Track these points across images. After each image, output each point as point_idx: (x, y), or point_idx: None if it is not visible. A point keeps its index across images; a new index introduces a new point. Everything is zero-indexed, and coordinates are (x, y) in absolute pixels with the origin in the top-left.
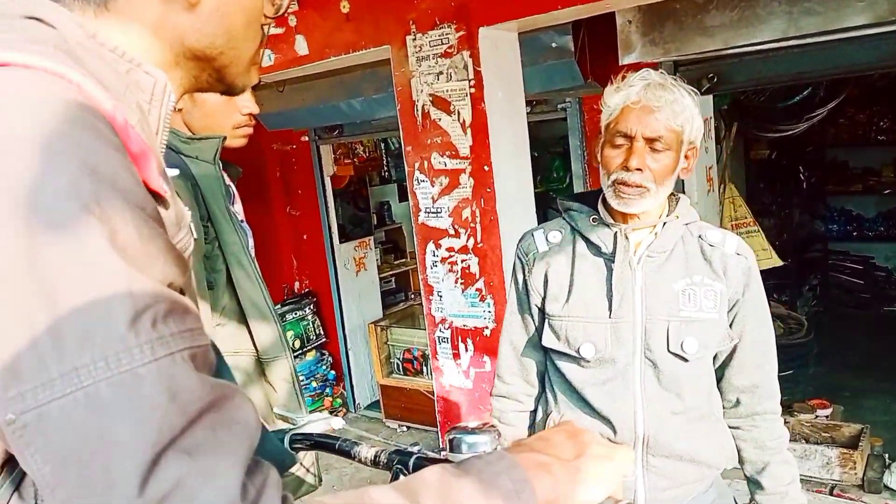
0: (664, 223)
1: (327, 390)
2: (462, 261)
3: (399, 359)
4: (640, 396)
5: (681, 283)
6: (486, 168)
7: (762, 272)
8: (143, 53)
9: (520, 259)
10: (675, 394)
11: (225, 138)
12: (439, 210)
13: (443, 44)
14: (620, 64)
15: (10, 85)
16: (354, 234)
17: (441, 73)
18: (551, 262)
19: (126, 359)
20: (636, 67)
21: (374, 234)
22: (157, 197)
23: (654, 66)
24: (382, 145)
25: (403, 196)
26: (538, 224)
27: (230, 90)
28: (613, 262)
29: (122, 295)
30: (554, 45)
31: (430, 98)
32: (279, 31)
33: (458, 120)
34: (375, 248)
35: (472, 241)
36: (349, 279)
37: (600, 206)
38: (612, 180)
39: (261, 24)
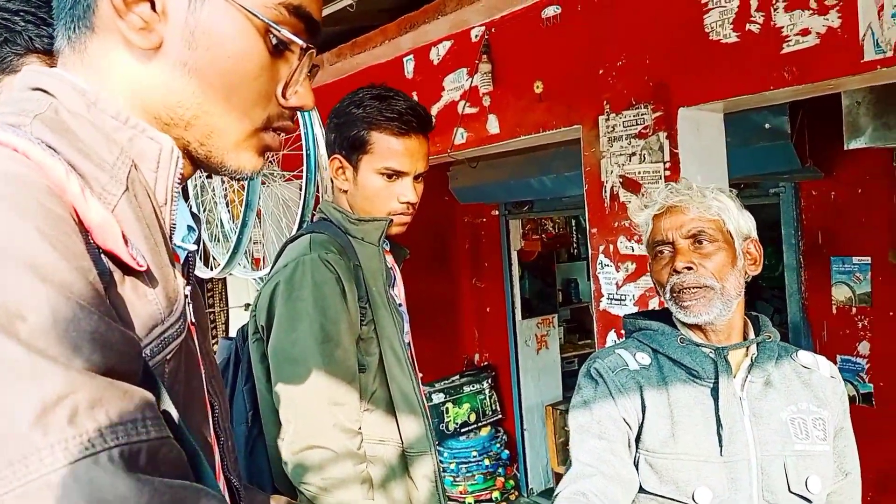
0: (757, 343)
1: (500, 470)
2: None
3: (570, 445)
4: None
5: (787, 411)
6: None
7: None
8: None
9: (601, 376)
10: None
11: (391, 221)
12: (623, 297)
13: (637, 124)
14: (846, 149)
15: None
16: (538, 310)
17: (634, 154)
18: (644, 385)
19: (34, 464)
20: (865, 154)
21: (558, 311)
22: (131, 270)
23: (889, 153)
24: (573, 222)
25: None
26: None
27: (216, 169)
28: (716, 390)
29: (25, 388)
30: (767, 125)
31: (621, 180)
32: (473, 110)
33: (643, 204)
34: (559, 326)
35: None
36: (530, 356)
37: (681, 327)
38: (670, 290)
39: (263, 96)
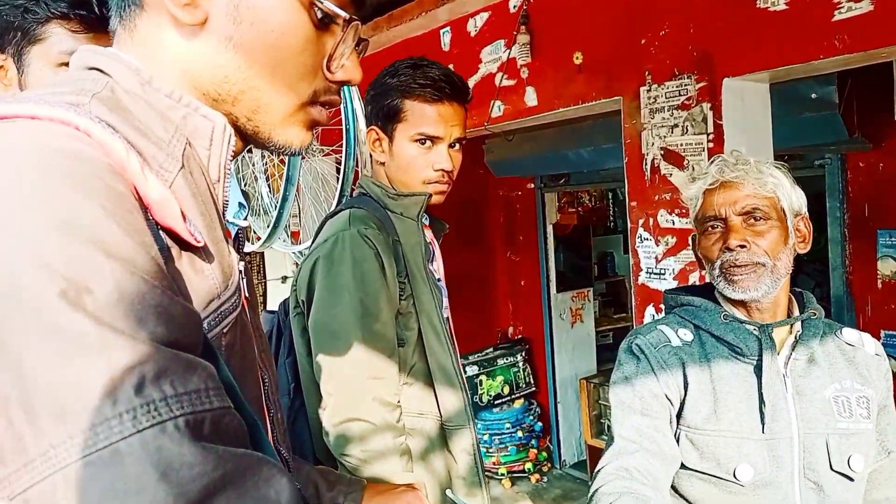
0: (802, 320)
1: (533, 442)
2: None
3: (610, 420)
4: None
5: (830, 389)
6: None
7: None
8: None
9: (643, 352)
10: None
11: (430, 196)
12: (663, 272)
13: (680, 95)
14: None
15: (3, 138)
16: (573, 283)
17: (676, 125)
18: (687, 362)
19: (104, 433)
20: None
21: (593, 285)
22: (189, 246)
23: None
24: (609, 195)
25: (627, 248)
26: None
27: (263, 144)
28: (759, 367)
29: (93, 359)
30: (814, 96)
31: (662, 152)
32: (510, 82)
33: (692, 176)
34: (594, 299)
35: None
36: (564, 330)
37: (723, 302)
38: (719, 266)
39: (309, 70)
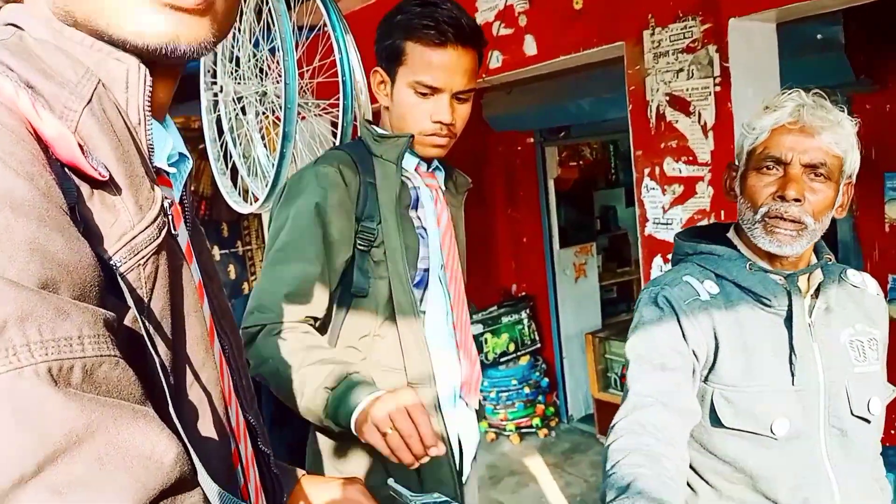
0: (820, 266)
1: (539, 398)
2: None
3: (617, 373)
4: (833, 477)
5: (845, 333)
6: None
7: None
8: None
9: (670, 305)
10: (866, 464)
11: (412, 138)
12: (670, 221)
13: (685, 38)
14: None
15: None
16: (576, 238)
17: (681, 70)
18: (716, 317)
19: None
20: None
21: (596, 240)
22: (98, 183)
23: None
24: (611, 147)
25: (630, 201)
26: None
27: (125, 45)
28: (789, 318)
29: None
30: (820, 36)
31: (667, 98)
32: (508, 31)
33: (699, 122)
34: (597, 254)
35: None
36: (568, 285)
37: (744, 250)
38: (763, 213)
39: None
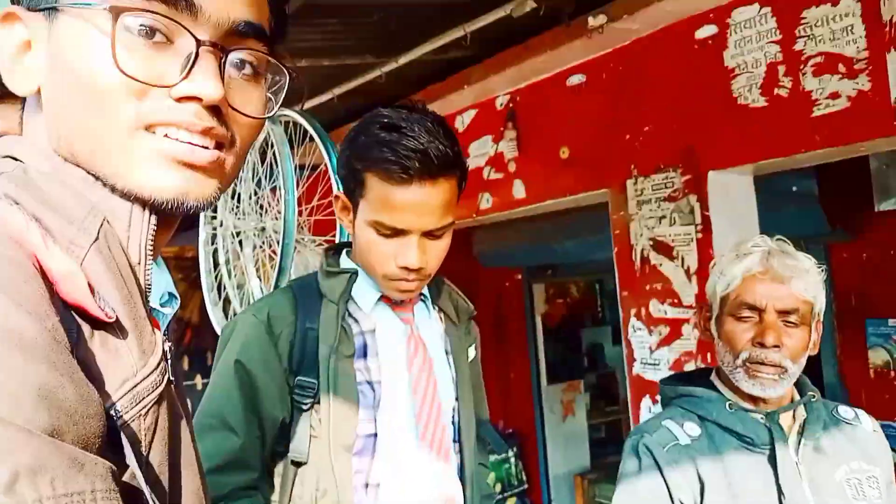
0: (804, 403)
1: None
2: None
3: None
4: None
5: (840, 471)
6: None
7: None
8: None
9: (650, 452)
10: None
11: (354, 274)
12: (657, 362)
13: (667, 188)
14: (877, 210)
15: None
16: (564, 375)
17: (664, 216)
18: (699, 459)
19: None
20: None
21: (584, 377)
22: (100, 324)
23: None
24: (597, 286)
25: (617, 339)
26: None
27: (130, 198)
28: (773, 457)
29: None
30: (795, 189)
31: (651, 242)
32: (498, 175)
33: (682, 266)
34: (586, 392)
35: None
36: (555, 423)
37: (724, 390)
38: (745, 359)
39: (125, 90)
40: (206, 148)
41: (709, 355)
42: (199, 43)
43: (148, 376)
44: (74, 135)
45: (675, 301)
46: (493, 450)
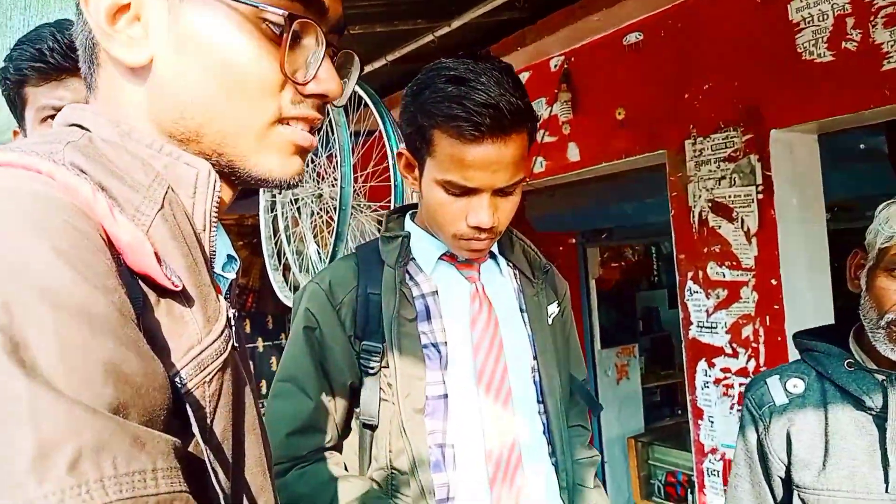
0: None
1: None
2: (740, 384)
3: (661, 481)
4: None
5: None
6: (773, 282)
7: None
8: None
9: (750, 412)
10: None
11: (407, 237)
12: (714, 325)
13: (727, 147)
14: None
15: None
16: (618, 339)
17: (723, 177)
18: (794, 418)
19: None
20: None
21: (639, 341)
22: (166, 292)
23: None
24: (653, 249)
25: (673, 303)
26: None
27: (247, 180)
28: (885, 419)
29: (23, 426)
30: (862, 146)
31: (709, 204)
32: (552, 139)
33: (742, 228)
34: (640, 355)
35: (753, 363)
36: (610, 387)
37: (854, 347)
38: (889, 321)
39: (268, 87)
40: (313, 134)
41: (768, 319)
42: (327, 43)
43: (212, 343)
44: (202, 115)
45: (734, 263)
46: (590, 410)
